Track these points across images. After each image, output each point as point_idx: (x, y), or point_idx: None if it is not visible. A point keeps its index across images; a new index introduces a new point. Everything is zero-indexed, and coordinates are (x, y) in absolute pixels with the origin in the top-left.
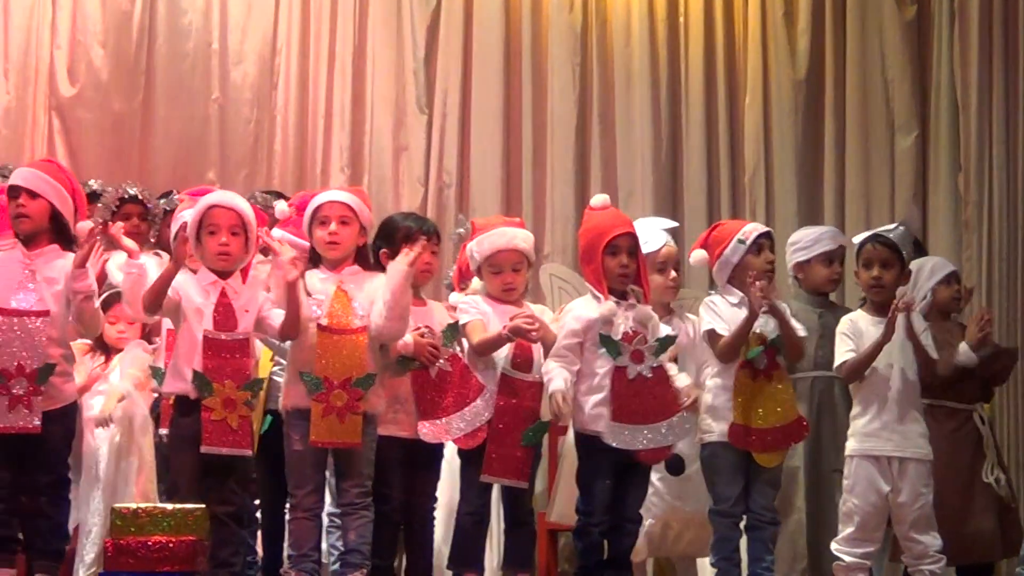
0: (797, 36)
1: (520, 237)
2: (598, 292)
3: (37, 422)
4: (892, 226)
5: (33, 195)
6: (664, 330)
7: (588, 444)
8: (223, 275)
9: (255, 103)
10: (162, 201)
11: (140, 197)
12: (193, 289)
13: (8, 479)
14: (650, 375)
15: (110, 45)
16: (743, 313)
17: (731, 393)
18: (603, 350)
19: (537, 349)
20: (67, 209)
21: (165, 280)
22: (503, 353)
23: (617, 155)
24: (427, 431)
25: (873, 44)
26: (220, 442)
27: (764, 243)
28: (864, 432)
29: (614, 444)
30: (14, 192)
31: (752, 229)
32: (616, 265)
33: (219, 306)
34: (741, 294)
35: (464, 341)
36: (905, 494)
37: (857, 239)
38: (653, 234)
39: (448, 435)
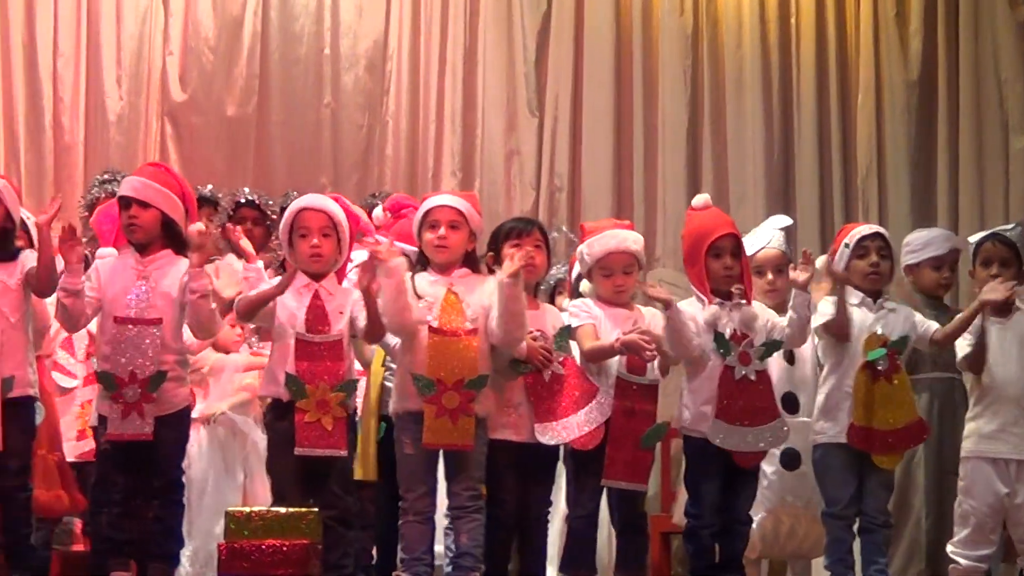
0: (909, 37)
1: (631, 239)
2: (702, 295)
3: (148, 429)
4: (1010, 226)
5: (144, 205)
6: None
7: (695, 446)
8: (316, 277)
9: (367, 108)
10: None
11: (255, 201)
12: (287, 293)
13: (122, 483)
14: (754, 378)
15: (222, 51)
16: (861, 313)
17: (846, 394)
18: (714, 347)
19: None
20: (178, 214)
21: (271, 295)
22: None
23: (728, 157)
24: (544, 434)
25: (985, 45)
26: (314, 443)
27: (870, 245)
28: (981, 434)
29: (715, 442)
30: (125, 203)
31: (857, 232)
32: (720, 267)
33: (312, 309)
34: (861, 294)
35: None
36: (1022, 496)
37: (974, 238)
38: (753, 237)
39: (565, 436)
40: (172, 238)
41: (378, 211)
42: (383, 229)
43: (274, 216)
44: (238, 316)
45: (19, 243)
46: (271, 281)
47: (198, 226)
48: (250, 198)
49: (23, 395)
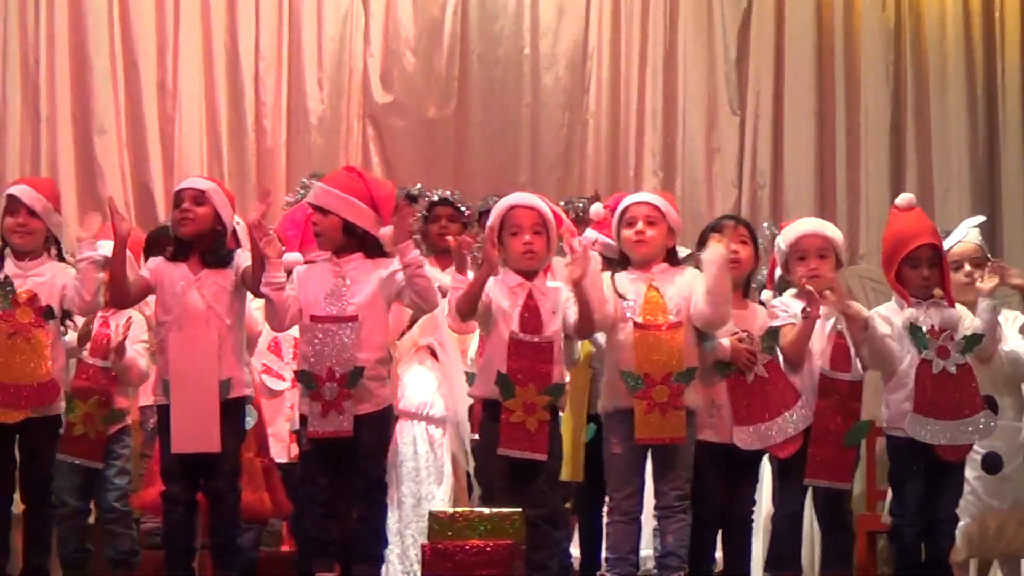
0: None
1: (828, 226)
2: (900, 298)
3: (348, 426)
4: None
5: (324, 212)
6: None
7: (897, 444)
8: (528, 276)
9: (567, 107)
10: (481, 203)
11: (450, 199)
12: (500, 292)
13: (325, 484)
14: (954, 371)
15: (422, 52)
16: None
17: None
18: (910, 341)
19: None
20: (363, 219)
21: (479, 284)
22: (817, 350)
23: (932, 153)
24: (743, 437)
25: None
26: (516, 445)
27: None
28: None
29: (917, 437)
30: (313, 209)
31: None
32: (917, 277)
33: (526, 308)
34: None
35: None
36: None
37: None
38: (948, 238)
39: (764, 442)
40: (362, 241)
41: (598, 207)
42: (602, 226)
43: (468, 214)
44: (459, 314)
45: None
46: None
47: (387, 230)
48: (444, 196)
49: (238, 397)
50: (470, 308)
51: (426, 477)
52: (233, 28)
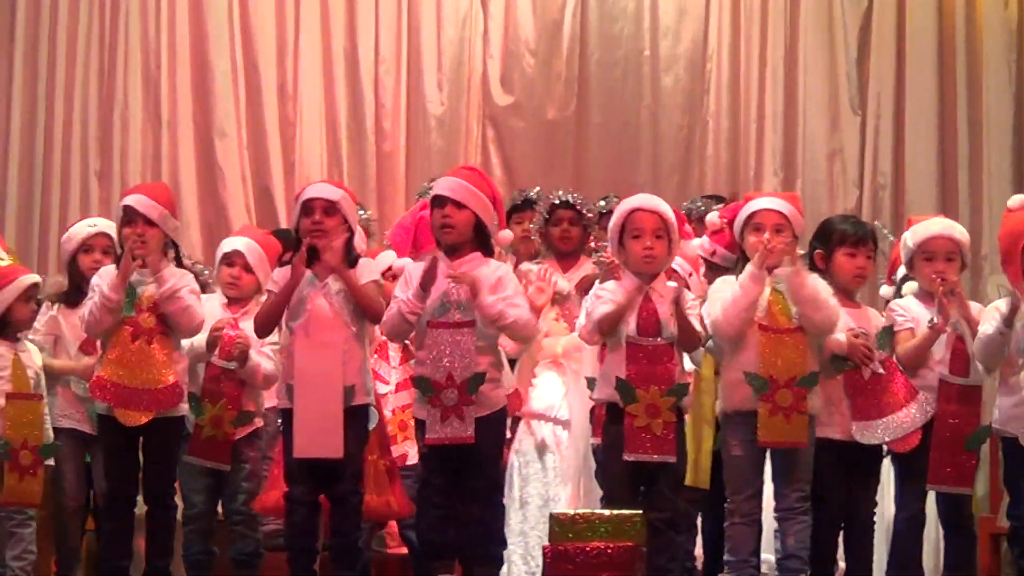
0: None
1: (957, 228)
2: (1020, 295)
3: (470, 432)
4: None
5: (459, 206)
6: None
7: (1009, 445)
8: (647, 280)
9: (687, 108)
10: (601, 203)
11: (571, 201)
12: (619, 295)
13: (443, 486)
14: None
15: (541, 54)
16: None
17: None
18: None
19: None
20: (489, 218)
21: (627, 306)
22: (938, 356)
23: None
24: (861, 433)
25: None
26: (643, 448)
27: None
28: None
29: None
30: (440, 202)
31: None
32: None
33: (643, 311)
34: None
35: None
36: None
37: None
38: None
39: (882, 436)
40: (481, 241)
41: (713, 216)
42: (720, 237)
43: (590, 216)
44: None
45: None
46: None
47: (507, 234)
48: (565, 199)
49: (361, 403)
50: (612, 328)
51: (553, 479)
52: (352, 31)
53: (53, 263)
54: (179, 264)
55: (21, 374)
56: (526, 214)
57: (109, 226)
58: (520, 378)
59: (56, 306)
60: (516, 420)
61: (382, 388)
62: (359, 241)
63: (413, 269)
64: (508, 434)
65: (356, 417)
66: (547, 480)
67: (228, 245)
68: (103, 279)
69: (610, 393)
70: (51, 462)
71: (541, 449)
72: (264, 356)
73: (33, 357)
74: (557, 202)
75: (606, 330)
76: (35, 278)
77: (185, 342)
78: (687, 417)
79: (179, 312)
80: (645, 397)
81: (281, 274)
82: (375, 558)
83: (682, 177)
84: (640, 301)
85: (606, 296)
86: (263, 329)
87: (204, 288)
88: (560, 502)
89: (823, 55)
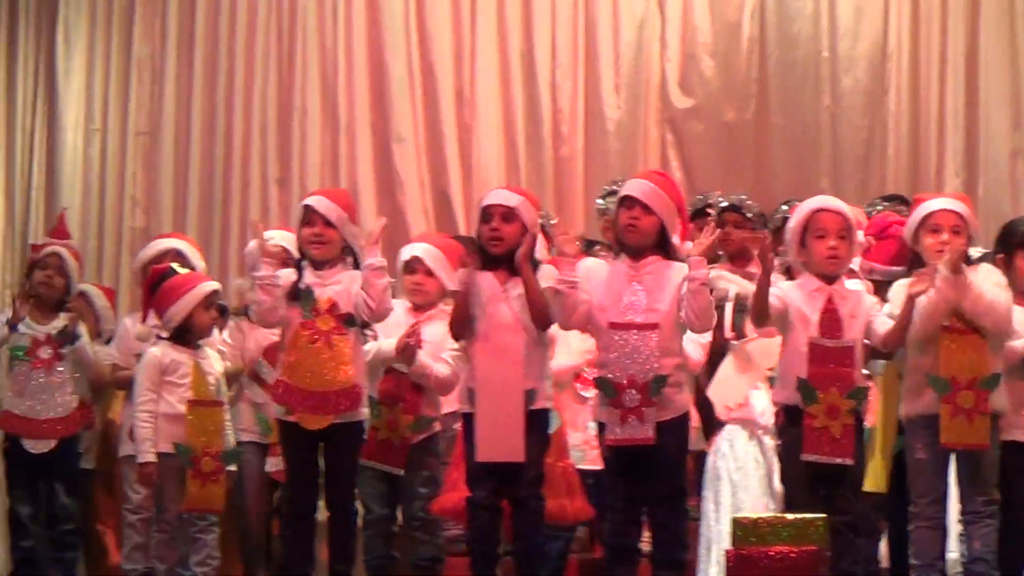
0: None
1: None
2: None
3: (651, 434)
4: None
5: (647, 210)
6: None
7: None
8: (828, 280)
9: (866, 109)
10: (784, 208)
11: (736, 205)
12: (799, 296)
13: (624, 490)
14: None
15: (720, 56)
16: None
17: None
18: None
19: None
20: (673, 225)
21: (763, 289)
22: None
23: None
24: None
25: None
26: (821, 450)
27: None
28: None
29: None
30: (629, 203)
31: None
32: None
33: (826, 312)
34: None
35: None
36: None
37: None
38: None
39: None
40: (664, 245)
41: (859, 235)
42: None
43: (753, 218)
44: (752, 321)
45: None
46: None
47: (687, 246)
48: (732, 202)
49: (542, 407)
50: (762, 312)
51: (755, 485)
52: (529, 34)
53: (234, 271)
54: (357, 268)
55: (202, 381)
56: (706, 220)
57: (285, 238)
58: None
59: (239, 319)
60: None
61: (591, 392)
62: (540, 247)
63: (590, 268)
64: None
65: (537, 421)
66: (747, 486)
67: (407, 252)
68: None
69: (788, 395)
70: (233, 468)
71: (746, 455)
72: (442, 361)
73: (213, 364)
74: (724, 205)
75: (754, 316)
76: (215, 285)
77: (371, 346)
78: (866, 421)
79: (380, 292)
80: (825, 399)
81: (464, 275)
82: (573, 562)
83: (863, 178)
84: (823, 301)
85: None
86: (455, 332)
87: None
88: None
89: (1005, 51)
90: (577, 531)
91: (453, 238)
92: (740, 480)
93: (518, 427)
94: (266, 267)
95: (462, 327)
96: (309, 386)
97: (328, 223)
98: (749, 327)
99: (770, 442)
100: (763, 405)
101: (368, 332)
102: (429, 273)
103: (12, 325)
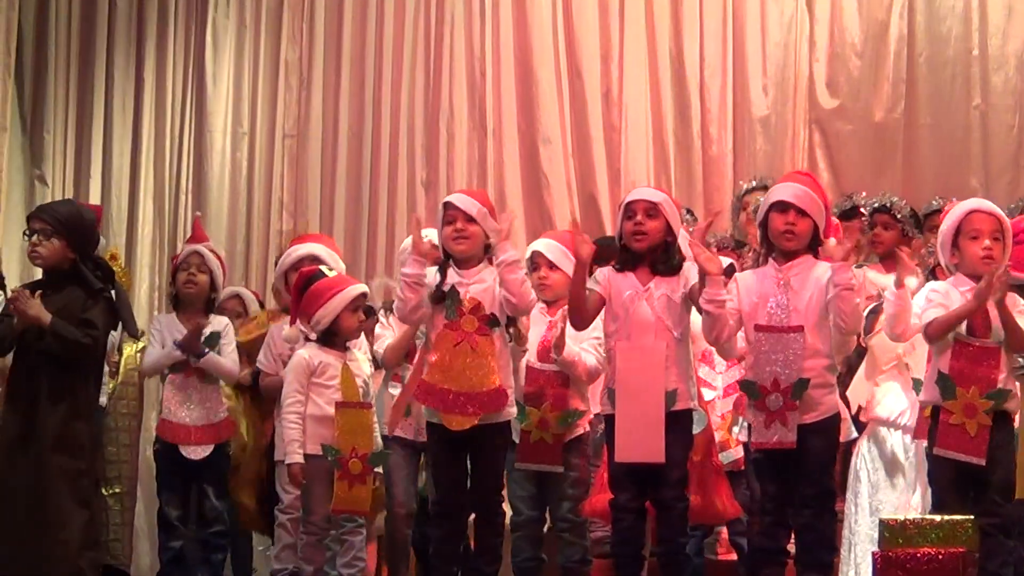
0: None
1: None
2: None
3: (792, 437)
4: None
5: (802, 213)
6: None
7: None
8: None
9: (1016, 108)
10: (935, 202)
11: (886, 206)
12: (957, 297)
13: (774, 492)
14: None
15: (868, 56)
16: None
17: None
18: None
19: None
20: (823, 224)
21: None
22: None
23: None
24: None
25: None
26: (954, 447)
27: None
28: None
29: None
30: (783, 207)
31: None
32: None
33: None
34: None
35: None
36: None
37: None
38: None
39: None
40: (814, 246)
41: None
42: None
43: (903, 219)
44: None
45: None
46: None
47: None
48: (883, 203)
49: (684, 408)
50: (942, 334)
51: (894, 485)
52: (677, 36)
53: (381, 273)
54: None
55: (350, 383)
56: (853, 222)
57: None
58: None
59: (388, 317)
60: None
61: (708, 394)
62: (683, 243)
63: (743, 279)
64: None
65: (679, 422)
66: (894, 486)
67: (530, 250)
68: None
69: (934, 396)
70: (379, 470)
71: (890, 457)
72: (586, 351)
73: (362, 366)
74: (876, 205)
75: (936, 336)
76: (363, 288)
77: None
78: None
79: (517, 285)
80: (964, 396)
81: (602, 274)
82: (705, 564)
83: (1013, 177)
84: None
85: (936, 299)
86: (573, 322)
87: None
88: (910, 510)
89: None
90: (715, 531)
91: (598, 239)
92: (879, 480)
93: (658, 428)
94: (416, 265)
95: (575, 318)
96: (454, 386)
97: (469, 219)
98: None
99: (911, 442)
100: (898, 405)
101: (511, 330)
102: (552, 267)
103: (181, 346)
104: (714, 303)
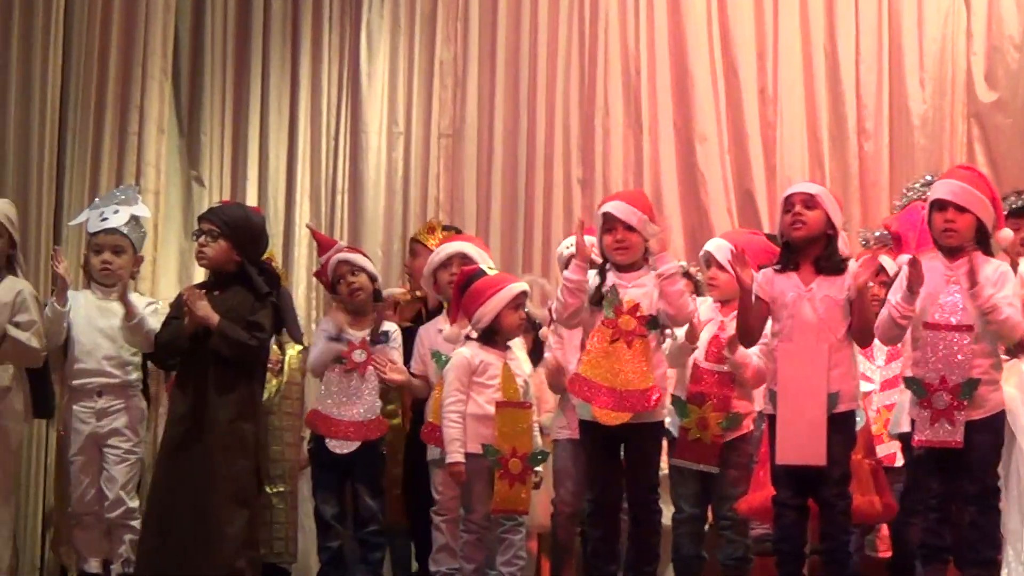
0: None
1: None
2: None
3: (959, 437)
4: None
5: (961, 210)
6: None
7: None
8: None
9: None
10: None
11: None
12: None
13: (937, 489)
14: None
15: None
16: None
17: None
18: None
19: None
20: (989, 219)
21: None
22: None
23: None
24: None
25: None
26: None
27: None
28: None
29: None
30: (941, 206)
31: None
32: None
33: None
34: None
35: None
36: None
37: None
38: None
39: None
40: (980, 241)
41: (1007, 232)
42: None
43: None
44: None
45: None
46: None
47: (1007, 233)
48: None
49: (847, 409)
50: None
51: None
52: (832, 30)
53: (537, 272)
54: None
55: (511, 382)
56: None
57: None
58: None
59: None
60: None
61: (867, 387)
62: (843, 244)
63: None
64: None
65: (842, 423)
66: None
67: (704, 249)
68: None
69: None
70: (539, 469)
71: None
72: (756, 354)
73: (522, 366)
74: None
75: None
76: (523, 286)
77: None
78: None
79: (676, 296)
80: None
81: (763, 276)
82: (865, 561)
83: None
84: None
85: None
86: (743, 340)
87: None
88: None
89: None
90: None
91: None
92: None
93: (820, 431)
94: (579, 271)
95: (741, 328)
96: (607, 383)
97: (628, 227)
98: None
99: None
100: None
101: (667, 332)
102: (722, 268)
103: (335, 338)
104: (908, 319)
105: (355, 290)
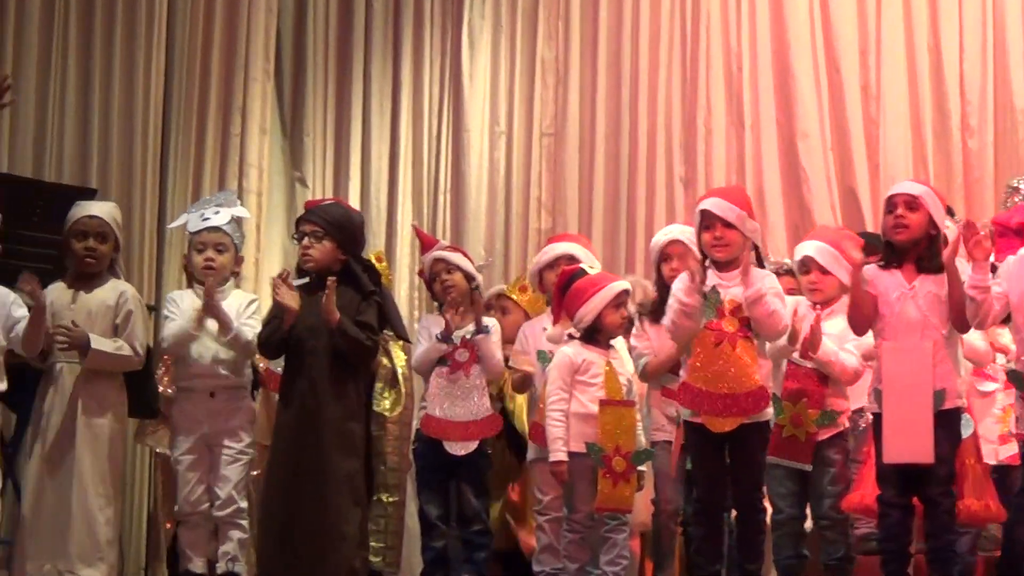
0: None
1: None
2: None
3: None
4: None
5: None
6: None
7: None
8: None
9: None
10: None
11: None
12: None
13: None
14: None
15: None
16: None
17: None
18: None
19: None
20: None
21: None
22: None
23: None
24: None
25: None
26: None
27: None
28: None
29: None
30: None
31: None
32: None
33: None
34: None
35: None
36: None
37: None
38: None
39: None
40: None
41: None
42: None
43: None
44: None
45: None
46: None
47: None
48: None
49: (953, 407)
50: None
51: None
52: (936, 26)
53: (640, 271)
54: (759, 265)
55: (614, 381)
56: None
57: (683, 232)
58: None
59: (644, 322)
60: None
61: (989, 386)
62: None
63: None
64: None
65: (947, 420)
66: None
67: (799, 252)
68: (679, 284)
69: None
70: (643, 469)
71: None
72: (847, 351)
73: (625, 364)
74: None
75: None
76: (624, 285)
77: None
78: None
79: (764, 316)
80: None
81: (868, 272)
82: (981, 560)
83: None
84: None
85: None
86: (855, 327)
87: None
88: None
89: None
90: (988, 529)
91: (862, 234)
92: None
93: (926, 429)
94: (693, 296)
95: (853, 322)
96: (714, 388)
97: (727, 224)
98: None
99: None
100: None
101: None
102: (824, 272)
103: (445, 337)
104: (978, 289)
105: (448, 287)
